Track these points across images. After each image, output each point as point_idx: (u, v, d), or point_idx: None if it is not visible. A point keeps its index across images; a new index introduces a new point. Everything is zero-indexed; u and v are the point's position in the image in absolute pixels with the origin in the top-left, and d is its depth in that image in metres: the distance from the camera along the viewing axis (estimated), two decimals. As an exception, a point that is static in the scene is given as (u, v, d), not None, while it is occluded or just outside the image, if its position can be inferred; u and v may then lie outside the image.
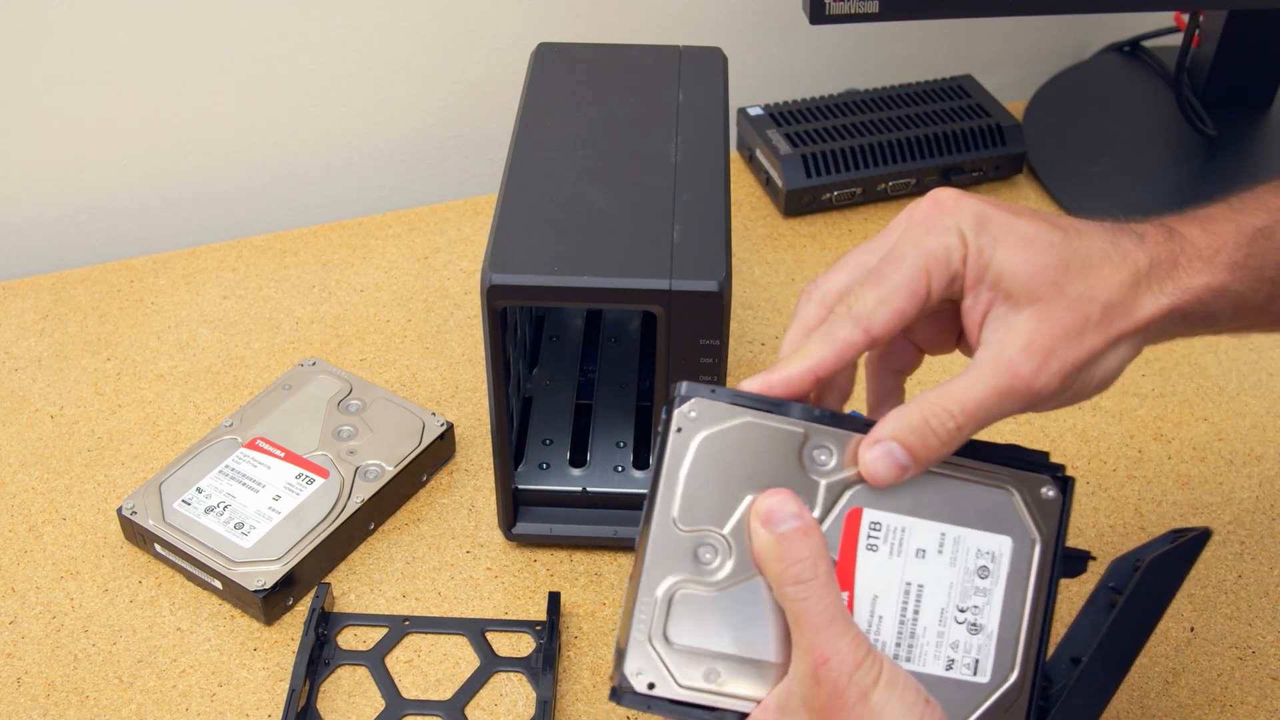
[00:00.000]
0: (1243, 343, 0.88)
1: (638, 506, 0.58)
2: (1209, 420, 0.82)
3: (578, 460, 0.75)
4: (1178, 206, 0.54)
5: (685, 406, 0.49)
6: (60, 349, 0.88)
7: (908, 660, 0.49)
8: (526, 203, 0.66)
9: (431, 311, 0.91)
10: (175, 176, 1.02)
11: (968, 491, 0.50)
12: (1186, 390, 0.84)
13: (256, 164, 1.04)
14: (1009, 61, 1.19)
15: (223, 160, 1.02)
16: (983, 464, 0.50)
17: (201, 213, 1.04)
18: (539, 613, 0.70)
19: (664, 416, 0.50)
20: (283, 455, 0.74)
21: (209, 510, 0.71)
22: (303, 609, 0.70)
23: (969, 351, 0.51)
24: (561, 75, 0.77)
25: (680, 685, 0.47)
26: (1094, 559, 0.52)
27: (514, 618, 0.70)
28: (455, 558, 0.73)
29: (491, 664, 0.67)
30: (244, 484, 0.73)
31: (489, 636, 0.68)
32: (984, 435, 0.50)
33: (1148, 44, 1.16)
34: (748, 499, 0.49)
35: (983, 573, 0.49)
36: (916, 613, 0.49)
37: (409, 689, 0.66)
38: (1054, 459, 0.51)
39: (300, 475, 0.73)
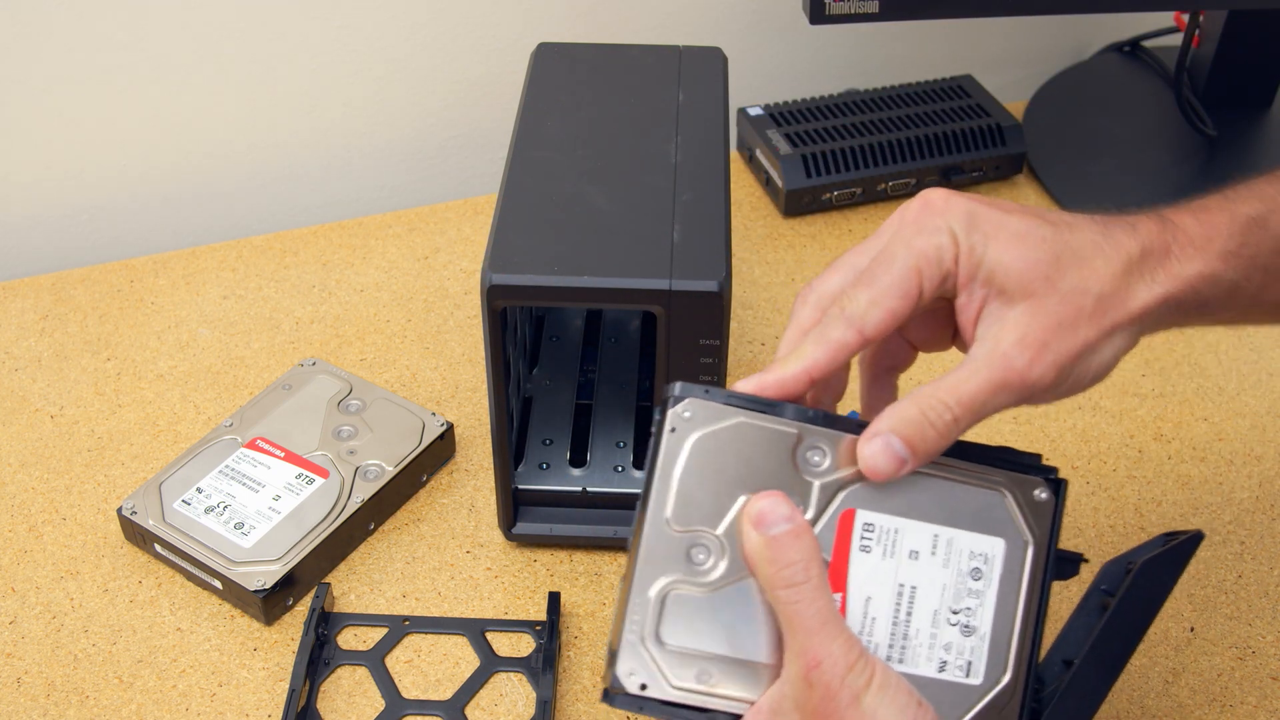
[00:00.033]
0: (1243, 343, 0.88)
1: (636, 507, 0.58)
2: (1209, 420, 0.82)
3: (578, 460, 0.75)
4: (1177, 206, 0.55)
5: (679, 407, 0.49)
6: (60, 349, 0.88)
7: (900, 662, 0.49)
8: (526, 203, 0.66)
9: (431, 311, 0.91)
10: (175, 176, 1.02)
11: (961, 493, 0.50)
12: (1186, 390, 0.84)
13: (256, 164, 1.04)
14: (1009, 61, 1.19)
15: (223, 160, 1.03)
16: (976, 466, 0.50)
17: (201, 213, 1.04)
18: (539, 613, 0.70)
19: (658, 416, 0.50)
20: (283, 455, 0.75)
21: (209, 510, 0.71)
22: (303, 609, 0.70)
23: (964, 348, 0.51)
24: (561, 75, 0.77)
25: (673, 686, 0.47)
26: (1086, 561, 0.52)
27: (514, 618, 0.70)
28: (455, 558, 0.73)
29: (491, 664, 0.67)
30: (244, 484, 0.73)
31: (489, 636, 0.69)
32: (983, 433, 0.50)
33: (1148, 44, 1.16)
34: (741, 499, 0.49)
35: (975, 574, 0.49)
36: (909, 614, 0.49)
37: (409, 689, 0.66)
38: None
39: (300, 475, 0.73)
